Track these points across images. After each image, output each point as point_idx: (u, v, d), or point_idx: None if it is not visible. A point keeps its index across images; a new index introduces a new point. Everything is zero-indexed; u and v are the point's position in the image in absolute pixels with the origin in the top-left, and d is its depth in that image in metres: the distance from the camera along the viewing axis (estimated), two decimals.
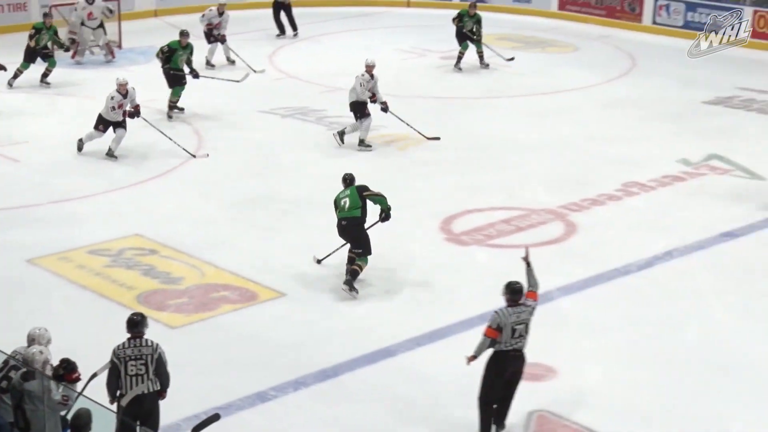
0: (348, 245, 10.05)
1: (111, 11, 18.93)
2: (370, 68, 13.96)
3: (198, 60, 16.23)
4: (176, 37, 15.59)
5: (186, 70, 15.43)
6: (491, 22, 20.72)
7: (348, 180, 10.19)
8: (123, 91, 13.43)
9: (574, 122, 15.18)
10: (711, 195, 12.24)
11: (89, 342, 8.32)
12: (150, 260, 10.55)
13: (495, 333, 7.34)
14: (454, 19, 18.09)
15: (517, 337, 7.37)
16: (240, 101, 16.20)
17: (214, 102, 16.08)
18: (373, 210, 10.11)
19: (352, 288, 9.84)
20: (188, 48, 15.51)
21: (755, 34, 19.40)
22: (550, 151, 13.87)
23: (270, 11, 20.49)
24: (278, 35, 20.56)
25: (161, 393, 7.07)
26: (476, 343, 7.46)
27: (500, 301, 9.37)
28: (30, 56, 16.79)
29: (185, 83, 15.39)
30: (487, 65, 18.17)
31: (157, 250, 10.78)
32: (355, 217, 9.90)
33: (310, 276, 10.32)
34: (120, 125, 13.48)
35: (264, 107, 15.82)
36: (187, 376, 8.13)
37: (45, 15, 17.44)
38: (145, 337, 7.04)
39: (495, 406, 7.54)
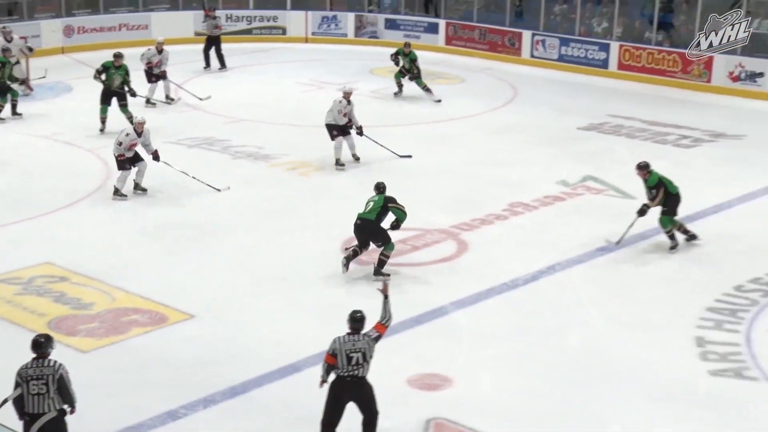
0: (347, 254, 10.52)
1: (31, 49, 18.34)
2: (347, 94, 14.41)
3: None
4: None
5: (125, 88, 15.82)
6: (383, 57, 20.89)
7: (380, 188, 10.73)
8: (139, 129, 12.94)
9: (463, 148, 15.34)
10: (588, 213, 12.48)
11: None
12: (61, 287, 10.20)
13: (331, 359, 7.21)
14: (391, 56, 18.54)
15: (354, 365, 7.17)
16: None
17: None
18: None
19: (381, 274, 10.32)
20: (122, 68, 15.73)
21: (621, 66, 20.02)
22: (443, 175, 13.97)
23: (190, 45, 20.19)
24: (204, 68, 20.38)
25: (66, 411, 6.85)
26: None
27: (398, 317, 9.47)
28: None
29: (123, 103, 15.81)
30: (432, 96, 18.13)
31: (68, 277, 10.43)
32: (369, 219, 10.41)
33: (218, 297, 10.15)
34: (137, 159, 13.00)
35: (171, 138, 15.53)
36: (99, 397, 7.89)
37: (4, 50, 16.60)
38: (50, 357, 6.82)
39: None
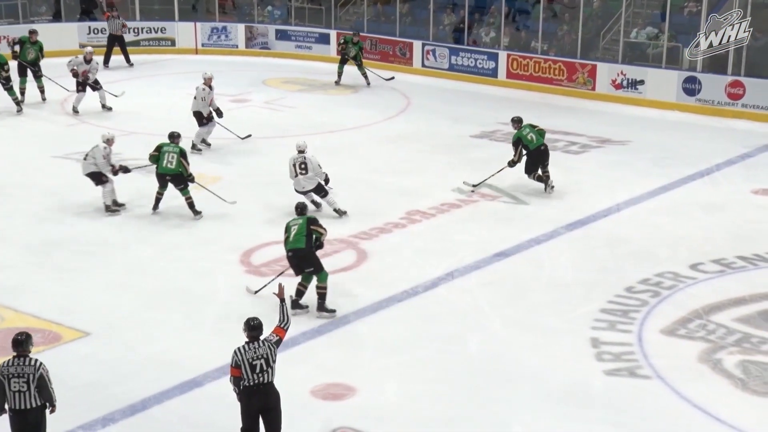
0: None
1: None
2: (208, 80, 15.19)
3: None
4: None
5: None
6: (275, 68, 20.85)
7: (300, 209, 10.32)
8: (111, 144, 12.87)
9: (359, 157, 15.40)
10: (483, 219, 12.69)
11: None
12: None
13: (236, 371, 7.23)
14: (339, 43, 20.42)
15: (259, 372, 7.20)
16: (34, 147, 15.44)
17: (7, 149, 15.26)
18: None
19: (327, 310, 9.85)
20: (37, 44, 17.06)
21: (510, 75, 20.45)
22: (339, 185, 13.92)
23: None
24: (105, 66, 20.60)
25: (51, 408, 7.10)
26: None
27: (299, 328, 9.47)
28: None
29: (39, 75, 17.05)
30: (369, 84, 20.12)
31: None
32: (300, 248, 9.82)
33: (113, 315, 9.91)
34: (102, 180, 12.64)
35: (58, 153, 15.10)
36: None
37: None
38: (30, 356, 7.00)
39: None
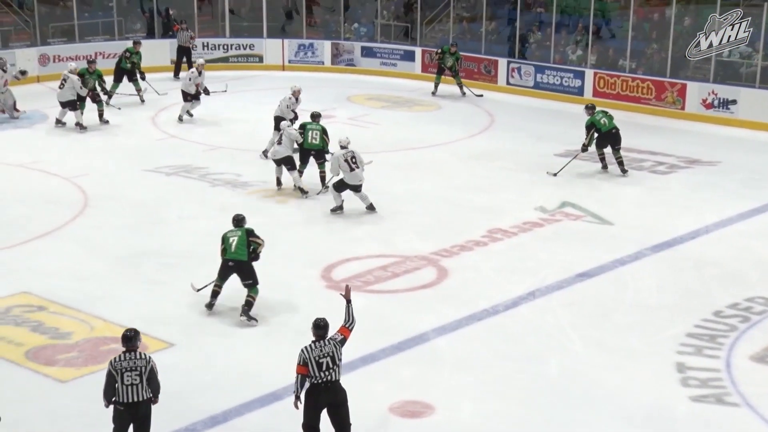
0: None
1: (23, 73, 19.02)
2: (297, 92, 16.17)
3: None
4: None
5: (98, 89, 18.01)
6: (360, 84, 21.04)
7: (238, 220, 10.37)
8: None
9: (441, 174, 15.40)
10: (566, 239, 12.55)
11: None
12: (39, 316, 10.11)
13: (303, 369, 7.46)
14: (437, 53, 20.86)
15: (325, 370, 7.44)
16: (124, 160, 15.89)
17: (99, 162, 15.74)
18: None
19: (250, 318, 10.05)
20: (95, 73, 17.79)
21: (596, 93, 20.21)
22: (421, 202, 14.02)
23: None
24: (175, 77, 21.54)
25: (154, 400, 7.40)
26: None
27: (378, 344, 9.51)
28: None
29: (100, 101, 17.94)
30: (465, 94, 20.72)
31: (46, 307, 10.34)
32: (242, 261, 10.06)
33: (196, 326, 10.11)
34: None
35: (148, 166, 15.51)
36: (79, 428, 7.79)
37: (90, 62, 18.26)
38: (139, 350, 7.38)
39: None
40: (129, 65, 19.85)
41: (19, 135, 17.41)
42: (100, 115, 18.06)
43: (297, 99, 16.04)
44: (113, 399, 7.32)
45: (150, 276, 11.34)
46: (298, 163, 14.19)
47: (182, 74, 18.40)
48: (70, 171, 15.11)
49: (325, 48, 24.00)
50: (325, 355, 7.44)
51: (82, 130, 17.54)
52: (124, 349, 7.40)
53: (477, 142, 17.51)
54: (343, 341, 7.60)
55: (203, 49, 23.55)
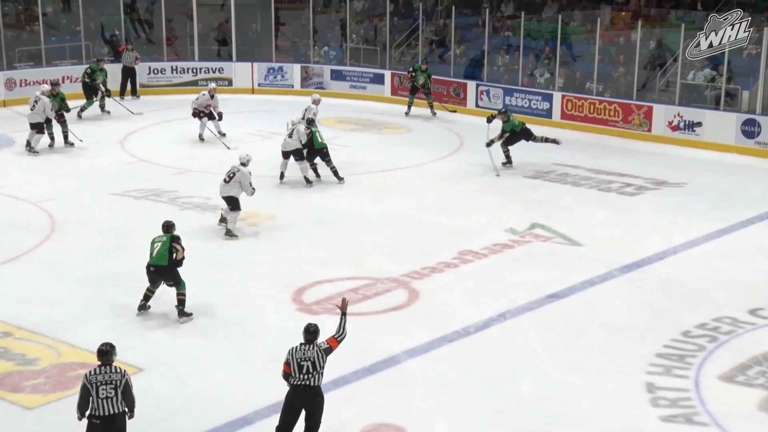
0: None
1: None
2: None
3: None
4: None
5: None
6: (331, 107, 21.08)
7: (168, 227, 10.81)
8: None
9: (411, 196, 15.44)
10: (536, 260, 12.61)
11: None
12: (4, 343, 9.99)
13: (286, 367, 7.82)
14: (409, 72, 21.26)
15: (305, 373, 7.72)
16: (92, 184, 15.79)
17: (67, 186, 15.63)
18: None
19: (185, 314, 10.61)
20: (59, 95, 17.84)
21: (564, 116, 20.42)
22: (391, 224, 14.04)
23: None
24: (121, 98, 21.98)
25: (129, 414, 7.51)
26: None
27: (350, 367, 9.48)
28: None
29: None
30: (435, 114, 21.16)
31: (12, 332, 10.22)
32: (162, 266, 10.57)
33: (165, 350, 10.03)
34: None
35: (116, 190, 15.41)
36: None
37: (53, 84, 18.17)
38: (114, 365, 7.47)
39: None
40: (88, 80, 20.29)
41: None
42: (65, 137, 17.97)
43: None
44: (87, 413, 7.37)
45: (118, 300, 11.23)
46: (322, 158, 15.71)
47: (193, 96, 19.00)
48: (37, 195, 14.97)
49: (294, 71, 24.06)
50: (307, 359, 7.73)
51: (50, 146, 17.82)
52: (99, 363, 7.45)
53: (447, 164, 17.59)
54: (328, 350, 7.87)
55: (172, 72, 23.52)
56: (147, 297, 10.78)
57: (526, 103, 21.04)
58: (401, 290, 11.61)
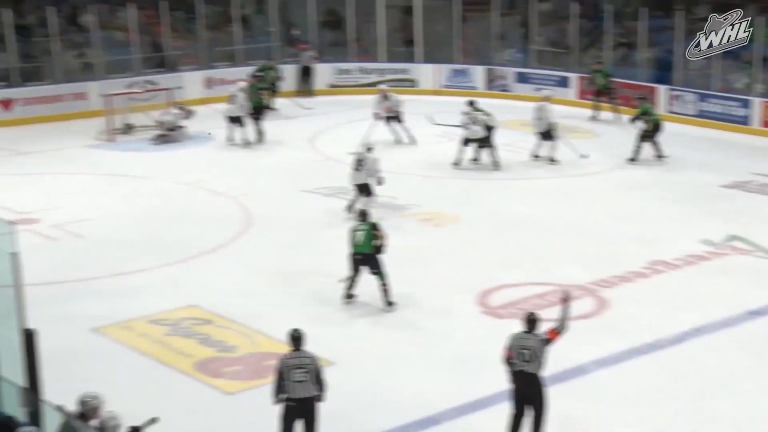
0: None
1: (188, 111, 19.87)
2: (548, 98, 17.68)
3: None
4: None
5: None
6: (516, 110, 20.92)
7: (363, 214, 11.30)
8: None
9: (598, 202, 15.13)
10: (735, 275, 12.05)
11: (148, 406, 8.20)
12: (206, 329, 10.50)
13: (508, 352, 7.99)
14: (590, 72, 21.11)
15: (524, 361, 7.89)
16: (284, 182, 16.34)
17: (260, 182, 16.25)
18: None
19: (390, 303, 11.01)
20: (274, 69, 19.64)
21: (766, 123, 19.40)
22: (577, 230, 13.80)
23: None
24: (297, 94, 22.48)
25: (320, 397, 7.83)
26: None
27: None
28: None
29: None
30: (619, 117, 20.40)
31: (212, 320, 10.73)
32: (367, 253, 10.97)
33: (356, 345, 10.26)
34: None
35: (306, 187, 15.90)
36: None
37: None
38: (306, 349, 7.83)
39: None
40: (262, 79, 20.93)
41: (187, 155, 18.16)
42: (259, 134, 18.69)
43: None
44: (281, 396, 7.71)
45: (308, 294, 11.58)
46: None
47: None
48: (234, 190, 15.65)
49: (479, 73, 24.05)
50: (527, 347, 7.91)
51: (246, 146, 18.34)
52: (292, 348, 7.81)
53: (637, 171, 17.09)
54: (547, 341, 8.00)
55: (359, 73, 24.04)
56: (351, 286, 11.15)
57: (721, 109, 20.13)
58: (589, 298, 11.39)
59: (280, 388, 7.74)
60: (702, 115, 20.43)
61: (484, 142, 16.78)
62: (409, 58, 24.72)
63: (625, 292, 11.54)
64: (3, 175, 16.40)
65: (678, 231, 13.65)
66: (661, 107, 21.07)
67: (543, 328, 8.10)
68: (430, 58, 24.51)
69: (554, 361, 9.67)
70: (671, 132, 19.92)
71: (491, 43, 24.51)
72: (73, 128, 19.30)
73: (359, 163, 14.03)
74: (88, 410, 6.75)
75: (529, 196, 15.52)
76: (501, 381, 9.23)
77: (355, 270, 11.11)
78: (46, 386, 7.63)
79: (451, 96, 23.66)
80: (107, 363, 9.72)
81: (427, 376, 9.60)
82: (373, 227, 11.06)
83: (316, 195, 15.54)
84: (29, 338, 7.57)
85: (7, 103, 20.07)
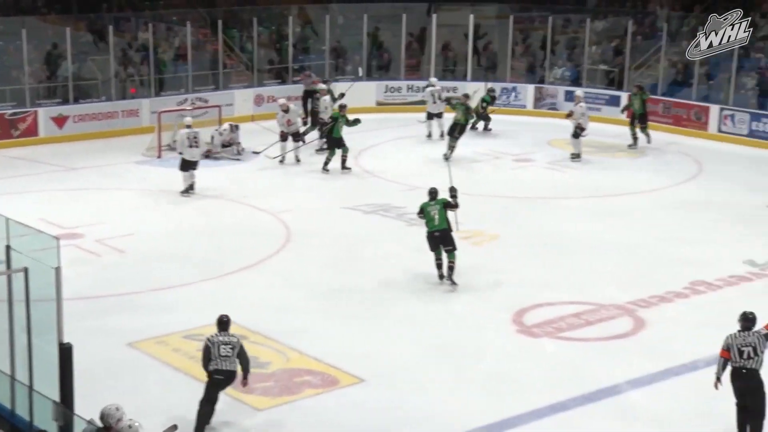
0: None
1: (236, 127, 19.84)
2: (579, 98, 19.01)
3: None
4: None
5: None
6: (561, 129, 20.82)
7: (434, 193, 12.00)
8: None
9: (641, 222, 14.98)
10: None
11: (178, 421, 8.30)
12: None
13: (726, 353, 8.29)
14: (630, 95, 20.50)
15: (746, 358, 8.19)
16: (325, 197, 16.48)
17: (301, 199, 16.40)
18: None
19: (453, 282, 11.85)
20: (344, 118, 18.08)
21: None
22: (619, 249, 13.68)
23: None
24: (304, 119, 21.19)
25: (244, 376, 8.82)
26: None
27: (568, 393, 9.34)
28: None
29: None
30: (649, 140, 20.00)
31: (246, 336, 10.80)
32: (444, 229, 11.81)
33: (388, 363, 10.28)
34: None
35: (348, 204, 16.01)
36: None
37: (341, 107, 18.48)
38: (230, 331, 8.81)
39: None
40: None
41: (233, 171, 18.41)
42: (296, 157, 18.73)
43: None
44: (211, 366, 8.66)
45: (345, 311, 11.66)
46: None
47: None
48: (277, 207, 15.83)
49: (528, 91, 23.99)
50: (748, 344, 8.20)
51: (297, 162, 18.58)
52: (218, 330, 8.81)
53: (683, 191, 16.91)
54: (766, 336, 8.25)
55: (407, 91, 24.15)
56: (440, 266, 11.90)
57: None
58: (626, 318, 11.29)
59: (208, 359, 8.69)
60: (753, 134, 20.11)
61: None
62: (459, 77, 24.75)
63: (663, 313, 11.42)
64: (51, 191, 16.80)
65: (722, 252, 13.46)
66: (711, 127, 20.81)
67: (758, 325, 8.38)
68: (478, 77, 24.51)
69: (586, 379, 9.68)
70: (722, 151, 19.75)
71: (542, 62, 24.44)
72: (123, 144, 19.70)
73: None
74: (109, 422, 6.88)
75: (569, 215, 15.42)
76: (531, 401, 9.27)
77: (436, 248, 11.82)
78: (79, 399, 7.82)
79: (499, 114, 23.57)
80: (140, 377, 9.88)
81: (458, 395, 9.60)
82: (446, 203, 11.77)
83: (356, 212, 15.64)
84: (65, 353, 7.76)
85: (60, 121, 20.56)
